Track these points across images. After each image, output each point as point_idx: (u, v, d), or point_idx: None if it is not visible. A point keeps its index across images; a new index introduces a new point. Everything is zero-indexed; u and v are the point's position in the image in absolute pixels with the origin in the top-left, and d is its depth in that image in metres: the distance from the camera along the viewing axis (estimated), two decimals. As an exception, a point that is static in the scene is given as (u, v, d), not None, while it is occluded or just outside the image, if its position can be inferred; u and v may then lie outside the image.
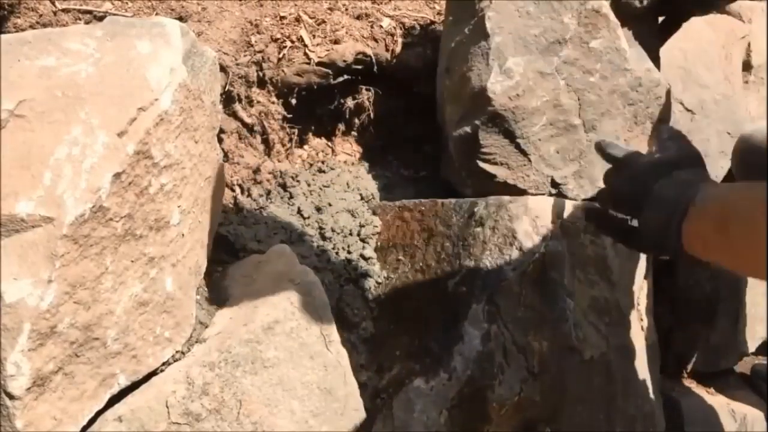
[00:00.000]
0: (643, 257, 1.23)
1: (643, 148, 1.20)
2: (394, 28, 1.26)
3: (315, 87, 1.22)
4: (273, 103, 1.21)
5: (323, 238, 1.18)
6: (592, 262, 1.12)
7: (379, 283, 1.17)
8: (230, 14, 1.17)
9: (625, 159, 0.96)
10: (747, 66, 1.63)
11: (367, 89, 1.22)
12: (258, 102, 1.20)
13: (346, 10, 1.24)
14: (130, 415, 0.79)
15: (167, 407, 0.81)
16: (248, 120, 1.20)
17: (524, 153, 1.13)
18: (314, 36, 1.18)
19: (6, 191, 0.67)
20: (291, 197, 1.20)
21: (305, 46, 1.19)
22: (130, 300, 0.78)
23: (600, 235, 1.10)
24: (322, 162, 1.27)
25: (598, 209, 0.98)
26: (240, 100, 1.19)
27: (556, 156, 1.14)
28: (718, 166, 1.34)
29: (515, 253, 1.07)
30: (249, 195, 1.18)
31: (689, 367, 1.37)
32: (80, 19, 1.01)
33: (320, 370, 0.94)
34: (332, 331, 0.98)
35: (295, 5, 1.19)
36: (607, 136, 1.15)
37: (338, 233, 1.18)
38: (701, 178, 0.90)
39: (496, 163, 1.14)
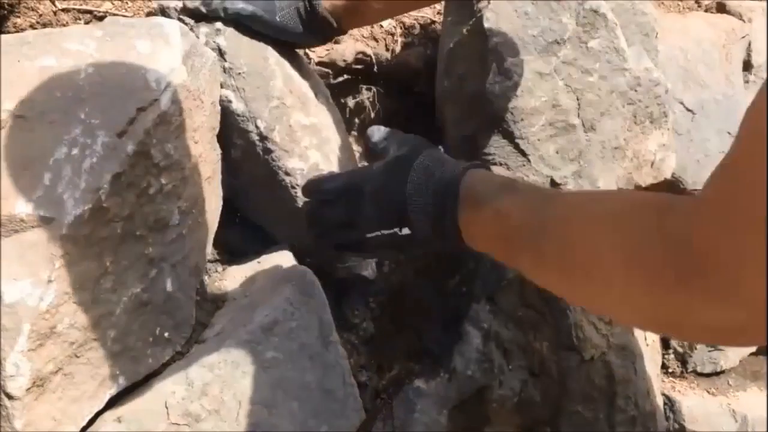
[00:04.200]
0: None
1: (643, 147, 1.21)
2: (394, 27, 1.26)
3: (315, 87, 1.22)
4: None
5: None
6: (592, 262, 1.12)
7: (379, 284, 1.17)
8: (230, 14, 1.17)
9: (349, 185, 0.87)
10: (747, 66, 1.63)
11: (367, 89, 1.22)
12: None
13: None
14: (130, 416, 0.79)
15: (167, 408, 0.81)
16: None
17: (523, 153, 1.13)
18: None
19: (6, 191, 0.67)
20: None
21: (305, 45, 1.19)
22: (130, 301, 0.78)
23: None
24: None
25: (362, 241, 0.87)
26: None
27: (556, 156, 1.14)
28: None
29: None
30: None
31: (689, 367, 1.37)
32: (80, 19, 1.00)
33: (320, 371, 0.94)
34: (332, 331, 0.98)
35: (295, 5, 1.19)
36: (607, 136, 1.15)
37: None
38: (437, 159, 0.83)
39: (495, 164, 1.14)
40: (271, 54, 1.01)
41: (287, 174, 0.99)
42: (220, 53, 0.96)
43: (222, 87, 0.96)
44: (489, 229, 0.76)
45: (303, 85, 1.04)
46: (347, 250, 0.92)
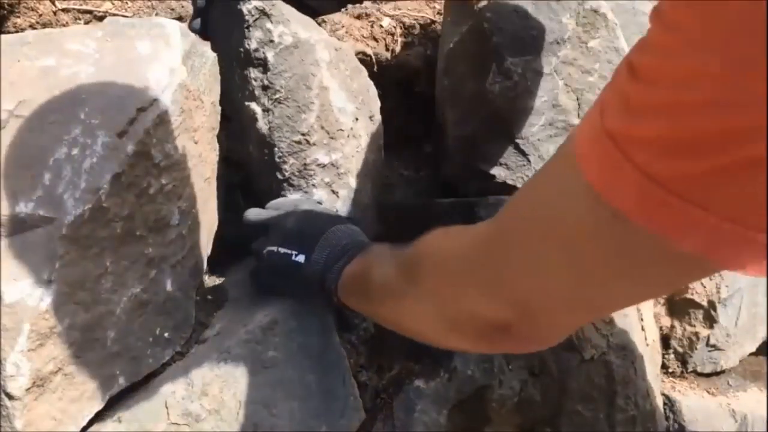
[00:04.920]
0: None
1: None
2: (394, 27, 1.26)
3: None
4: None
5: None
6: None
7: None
8: (230, 14, 1.17)
9: (294, 200, 0.97)
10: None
11: (367, 89, 1.22)
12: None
13: (346, 9, 1.24)
14: (130, 416, 0.79)
15: (167, 408, 0.81)
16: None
17: (523, 153, 1.13)
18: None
19: (6, 191, 0.67)
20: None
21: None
22: (130, 301, 0.78)
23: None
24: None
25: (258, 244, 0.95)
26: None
27: (556, 156, 1.14)
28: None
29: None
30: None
31: (689, 367, 1.37)
32: (80, 19, 1.00)
33: (320, 371, 0.94)
34: (332, 331, 0.98)
35: (296, 5, 1.19)
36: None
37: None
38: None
39: (495, 164, 1.14)
40: (318, 80, 0.97)
41: None
42: (265, 67, 0.94)
43: (254, 99, 0.95)
44: (352, 283, 0.85)
45: (344, 112, 1.01)
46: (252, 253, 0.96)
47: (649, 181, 0.44)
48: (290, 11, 0.98)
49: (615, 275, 0.53)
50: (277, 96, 0.95)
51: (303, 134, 0.96)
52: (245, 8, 0.94)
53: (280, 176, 0.97)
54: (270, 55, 0.94)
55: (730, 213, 0.43)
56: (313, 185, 0.99)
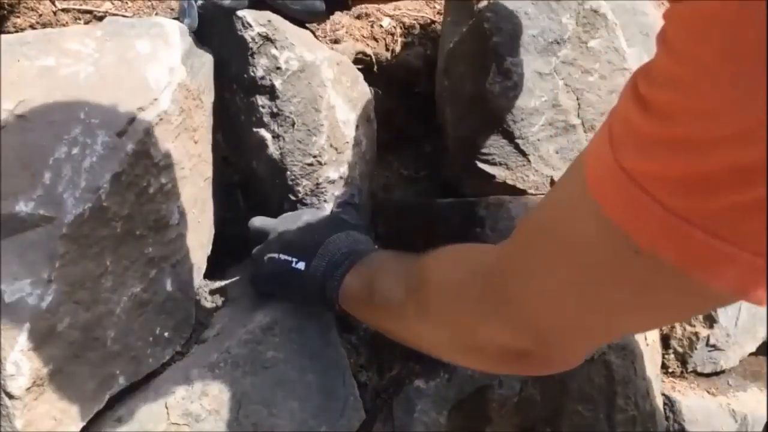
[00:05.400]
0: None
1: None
2: (394, 27, 1.26)
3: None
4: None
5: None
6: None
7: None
8: (230, 15, 1.16)
9: (297, 213, 0.97)
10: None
11: (367, 89, 1.22)
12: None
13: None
14: (130, 416, 0.79)
15: (166, 408, 0.81)
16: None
17: (523, 153, 1.13)
18: (314, 36, 1.18)
19: (6, 191, 0.67)
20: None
21: (305, 46, 1.19)
22: (130, 300, 0.78)
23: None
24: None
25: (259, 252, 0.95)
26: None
27: (556, 156, 1.14)
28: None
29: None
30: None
31: (689, 367, 1.37)
32: (80, 19, 1.00)
33: (320, 371, 0.94)
34: (332, 331, 0.98)
35: (295, 5, 1.19)
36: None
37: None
38: (372, 246, 0.93)
39: (495, 164, 1.14)
40: (326, 100, 0.96)
41: None
42: (272, 94, 0.92)
43: (262, 126, 0.94)
44: (355, 293, 0.86)
45: (348, 124, 1.01)
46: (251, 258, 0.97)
47: (673, 216, 0.43)
48: (292, 32, 0.95)
49: (635, 307, 0.53)
50: (287, 122, 0.94)
51: (314, 156, 0.96)
52: (248, 35, 0.91)
53: (293, 197, 0.97)
54: (278, 83, 0.92)
55: (761, 248, 0.42)
56: (325, 201, 0.99)
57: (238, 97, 0.95)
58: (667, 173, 0.43)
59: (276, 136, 0.94)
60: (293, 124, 0.94)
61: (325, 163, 0.97)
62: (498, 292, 0.62)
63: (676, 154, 0.43)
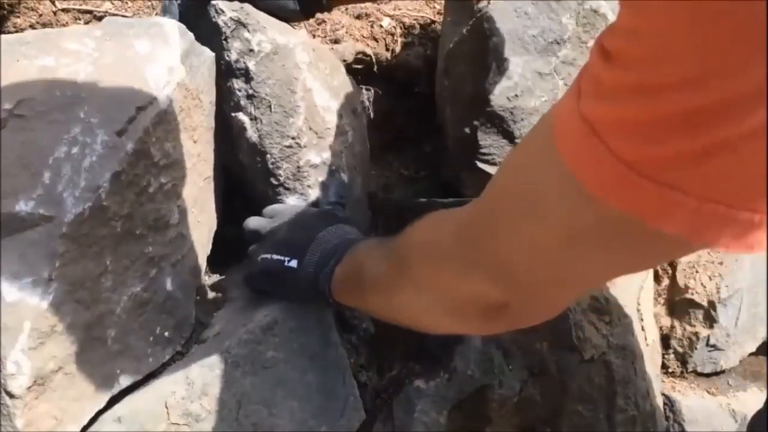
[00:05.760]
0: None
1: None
2: (394, 27, 1.26)
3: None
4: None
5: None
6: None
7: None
8: (229, 15, 1.16)
9: (290, 207, 0.97)
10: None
11: (366, 89, 1.22)
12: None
13: (346, 9, 1.24)
14: (130, 416, 0.79)
15: (167, 408, 0.81)
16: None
17: (524, 153, 1.13)
18: (314, 36, 1.18)
19: (6, 190, 0.67)
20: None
21: (305, 46, 1.19)
22: (130, 300, 0.78)
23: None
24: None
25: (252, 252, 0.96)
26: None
27: (556, 156, 1.14)
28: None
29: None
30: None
31: (689, 367, 1.37)
32: (80, 19, 1.01)
33: (320, 371, 0.94)
34: (332, 331, 0.98)
35: (295, 5, 1.19)
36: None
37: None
38: (361, 236, 0.94)
39: (495, 164, 1.14)
40: (302, 82, 0.98)
41: None
42: (247, 76, 0.94)
43: (240, 109, 0.95)
44: (345, 280, 0.87)
45: (329, 111, 1.02)
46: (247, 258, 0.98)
47: (623, 166, 0.45)
48: (265, 18, 0.98)
49: (596, 251, 0.54)
50: (263, 104, 0.95)
51: (293, 138, 0.97)
52: (221, 20, 0.93)
53: (275, 181, 0.98)
54: (251, 65, 0.94)
55: (709, 193, 0.43)
56: (308, 186, 0.99)
57: (218, 86, 0.96)
58: (622, 120, 0.45)
59: (253, 119, 0.95)
60: (269, 106, 0.95)
61: (304, 146, 0.98)
62: (472, 245, 0.64)
63: (630, 101, 0.44)
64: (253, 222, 0.97)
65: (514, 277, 0.61)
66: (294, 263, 0.90)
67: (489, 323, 0.70)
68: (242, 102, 0.95)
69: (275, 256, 0.91)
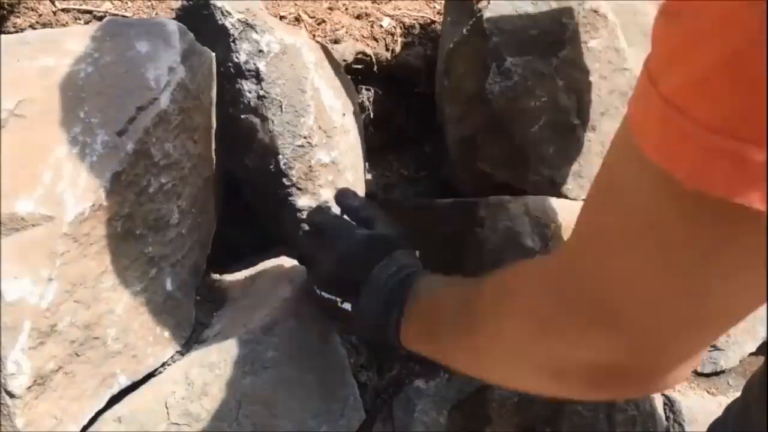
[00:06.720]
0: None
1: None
2: (394, 27, 1.26)
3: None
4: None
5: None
6: (591, 262, 1.12)
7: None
8: (230, 15, 1.16)
9: (334, 228, 0.90)
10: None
11: (366, 89, 1.22)
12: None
13: (346, 9, 1.24)
14: (130, 416, 0.79)
15: (167, 408, 0.81)
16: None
17: (523, 153, 1.13)
18: (314, 36, 1.18)
19: (6, 190, 0.67)
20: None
21: (305, 46, 1.19)
22: (130, 299, 0.78)
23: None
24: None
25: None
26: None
27: (556, 156, 1.14)
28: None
29: (516, 254, 1.07)
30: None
31: (689, 367, 1.37)
32: (80, 19, 1.01)
33: (320, 371, 0.94)
34: (332, 331, 0.98)
35: (295, 5, 1.19)
36: (607, 136, 1.15)
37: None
38: (415, 261, 0.86)
39: (495, 164, 1.14)
40: (310, 81, 0.97)
41: (297, 210, 0.99)
42: (258, 77, 0.93)
43: (250, 111, 0.95)
44: (417, 335, 0.80)
45: (334, 110, 1.02)
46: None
47: (712, 134, 0.37)
48: (271, 18, 0.98)
49: (721, 265, 0.43)
50: (274, 104, 0.95)
51: (305, 137, 0.96)
52: (228, 23, 0.92)
53: (287, 182, 0.97)
54: (261, 65, 0.93)
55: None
56: (320, 185, 0.99)
57: (223, 88, 0.96)
58: (692, 79, 0.38)
59: (264, 120, 0.95)
60: (280, 107, 0.95)
61: (315, 145, 0.98)
62: (572, 296, 0.52)
63: (692, 53, 0.37)
64: (301, 238, 0.95)
65: (632, 326, 0.49)
66: (347, 306, 0.85)
67: (602, 389, 0.57)
68: (253, 103, 0.94)
69: (325, 295, 0.87)
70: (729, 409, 0.91)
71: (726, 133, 0.36)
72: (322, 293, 0.88)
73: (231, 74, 0.94)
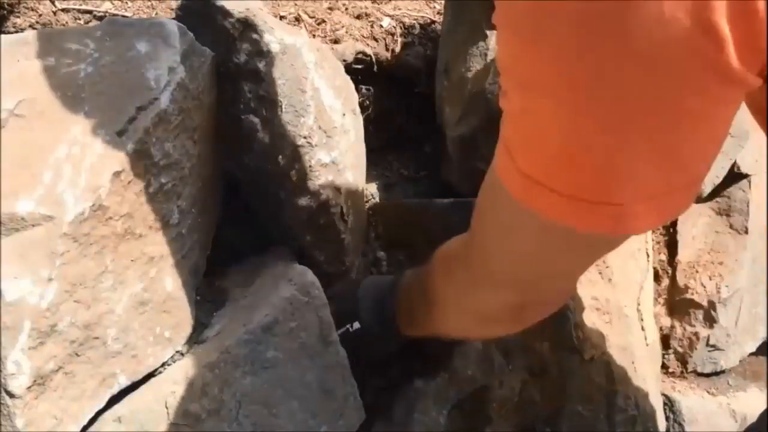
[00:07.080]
0: (643, 257, 1.23)
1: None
2: (394, 27, 1.26)
3: (315, 87, 1.21)
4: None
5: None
6: (592, 262, 1.12)
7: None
8: (230, 15, 1.16)
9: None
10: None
11: (366, 89, 1.22)
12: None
13: (346, 9, 1.24)
14: (130, 416, 0.79)
15: (167, 408, 0.81)
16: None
17: (523, 153, 1.13)
18: (314, 36, 1.18)
19: (6, 190, 0.67)
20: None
21: (305, 46, 1.19)
22: (130, 299, 0.78)
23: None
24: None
25: None
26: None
27: (556, 156, 1.14)
28: (719, 167, 1.34)
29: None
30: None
31: (689, 367, 1.37)
32: (80, 19, 1.01)
33: (320, 370, 0.94)
34: (332, 331, 0.97)
35: (295, 5, 1.19)
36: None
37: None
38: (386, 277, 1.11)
39: (495, 164, 1.14)
40: (310, 81, 0.97)
41: (296, 209, 0.99)
42: (258, 78, 0.93)
43: (251, 111, 0.95)
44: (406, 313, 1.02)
45: (334, 110, 1.02)
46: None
47: (528, 179, 0.62)
48: (271, 18, 0.97)
49: (560, 249, 0.70)
50: (274, 104, 0.94)
51: (305, 137, 0.96)
52: (228, 23, 0.92)
53: (288, 182, 0.97)
54: (261, 65, 0.93)
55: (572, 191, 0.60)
56: (320, 185, 0.99)
57: (224, 89, 0.95)
58: (543, 162, 0.61)
59: (265, 120, 0.94)
60: (281, 107, 0.94)
61: (315, 145, 0.98)
62: (480, 270, 0.81)
63: (517, 121, 0.64)
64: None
65: (518, 283, 0.78)
66: (356, 324, 1.02)
67: (520, 321, 0.85)
68: (253, 104, 0.94)
69: (340, 331, 1.00)
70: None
71: (572, 197, 0.58)
72: (337, 331, 1.00)
73: (231, 74, 0.94)
